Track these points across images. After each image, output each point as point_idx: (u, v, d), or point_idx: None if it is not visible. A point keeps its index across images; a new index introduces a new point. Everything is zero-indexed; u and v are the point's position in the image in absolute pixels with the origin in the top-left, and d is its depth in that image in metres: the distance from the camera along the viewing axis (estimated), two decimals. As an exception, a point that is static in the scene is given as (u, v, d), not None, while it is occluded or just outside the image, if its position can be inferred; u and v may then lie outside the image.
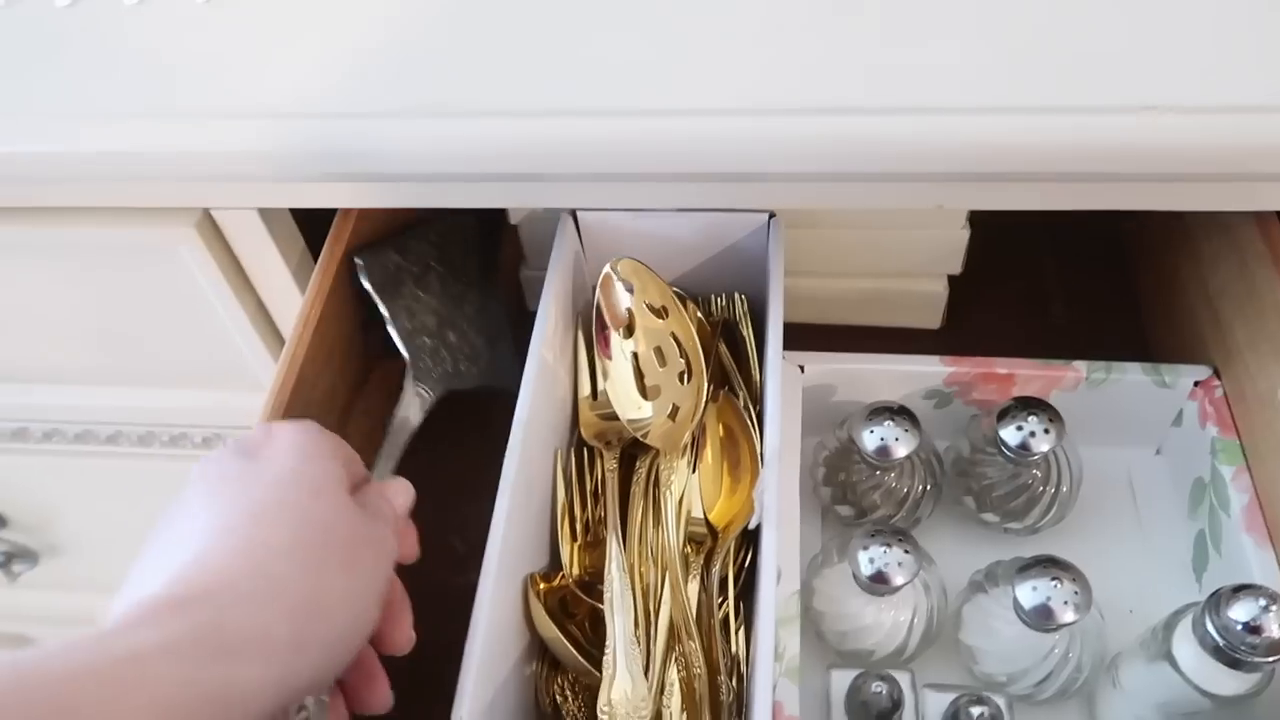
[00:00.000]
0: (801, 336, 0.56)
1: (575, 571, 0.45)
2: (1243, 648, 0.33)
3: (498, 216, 0.56)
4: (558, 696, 0.43)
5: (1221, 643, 0.34)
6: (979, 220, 0.51)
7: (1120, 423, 0.48)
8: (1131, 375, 0.46)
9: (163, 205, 0.45)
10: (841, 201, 0.42)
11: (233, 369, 0.55)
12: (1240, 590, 0.34)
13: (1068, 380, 0.47)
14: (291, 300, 0.50)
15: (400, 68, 0.41)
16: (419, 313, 0.51)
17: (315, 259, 0.48)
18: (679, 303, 0.46)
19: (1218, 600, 0.34)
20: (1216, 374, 0.46)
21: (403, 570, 0.35)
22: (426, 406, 0.49)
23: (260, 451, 0.32)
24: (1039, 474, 0.45)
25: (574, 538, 0.46)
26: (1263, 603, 0.33)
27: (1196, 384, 0.46)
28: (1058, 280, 0.58)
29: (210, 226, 0.46)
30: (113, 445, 0.62)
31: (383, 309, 0.49)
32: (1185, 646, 0.36)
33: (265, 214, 0.46)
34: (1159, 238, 0.54)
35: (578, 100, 0.39)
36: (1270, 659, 0.33)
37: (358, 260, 0.49)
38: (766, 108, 0.38)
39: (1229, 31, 0.37)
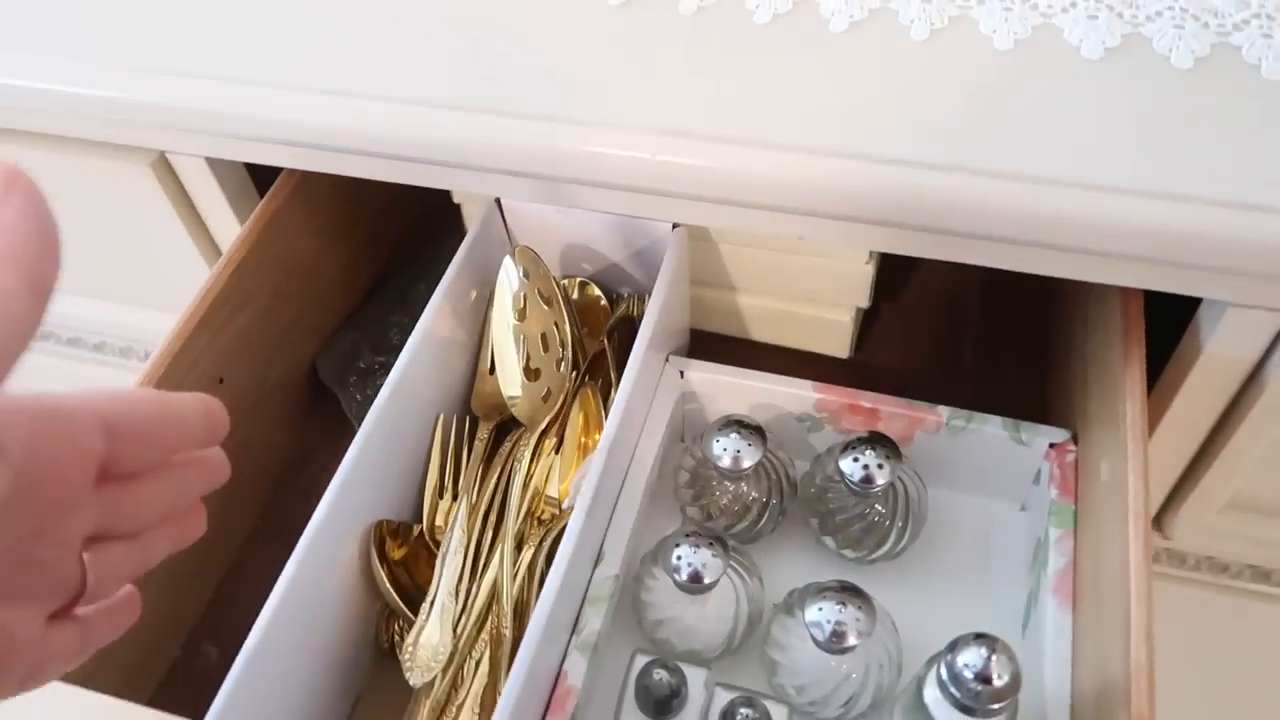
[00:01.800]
0: (712, 346, 0.58)
1: (441, 527, 0.49)
2: (972, 695, 0.35)
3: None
4: (395, 637, 0.47)
5: (954, 690, 0.35)
6: (900, 258, 0.52)
7: (984, 474, 0.49)
8: (990, 428, 0.47)
9: (127, 143, 0.50)
10: (717, 223, 0.44)
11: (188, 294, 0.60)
12: (976, 638, 0.35)
13: (929, 423, 0.48)
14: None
15: (344, 52, 0.44)
16: (375, 376, 0.57)
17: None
18: (565, 296, 0.49)
19: (954, 648, 0.35)
20: (1074, 439, 0.46)
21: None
22: None
23: None
24: (881, 508, 0.46)
25: (440, 497, 0.49)
26: (985, 652, 0.34)
27: (1051, 446, 0.46)
28: (977, 327, 0.59)
29: (165, 166, 0.51)
30: (98, 353, 0.69)
31: (339, 394, 0.56)
32: (932, 692, 0.37)
33: (214, 163, 0.51)
34: (1069, 298, 0.54)
35: (508, 102, 0.42)
36: (995, 706, 0.35)
37: (317, 359, 0.56)
38: (669, 129, 0.40)
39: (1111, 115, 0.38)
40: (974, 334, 0.59)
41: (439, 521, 0.49)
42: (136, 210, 0.54)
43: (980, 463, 0.49)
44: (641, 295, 0.55)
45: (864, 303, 0.54)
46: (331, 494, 0.42)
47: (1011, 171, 0.37)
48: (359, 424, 0.55)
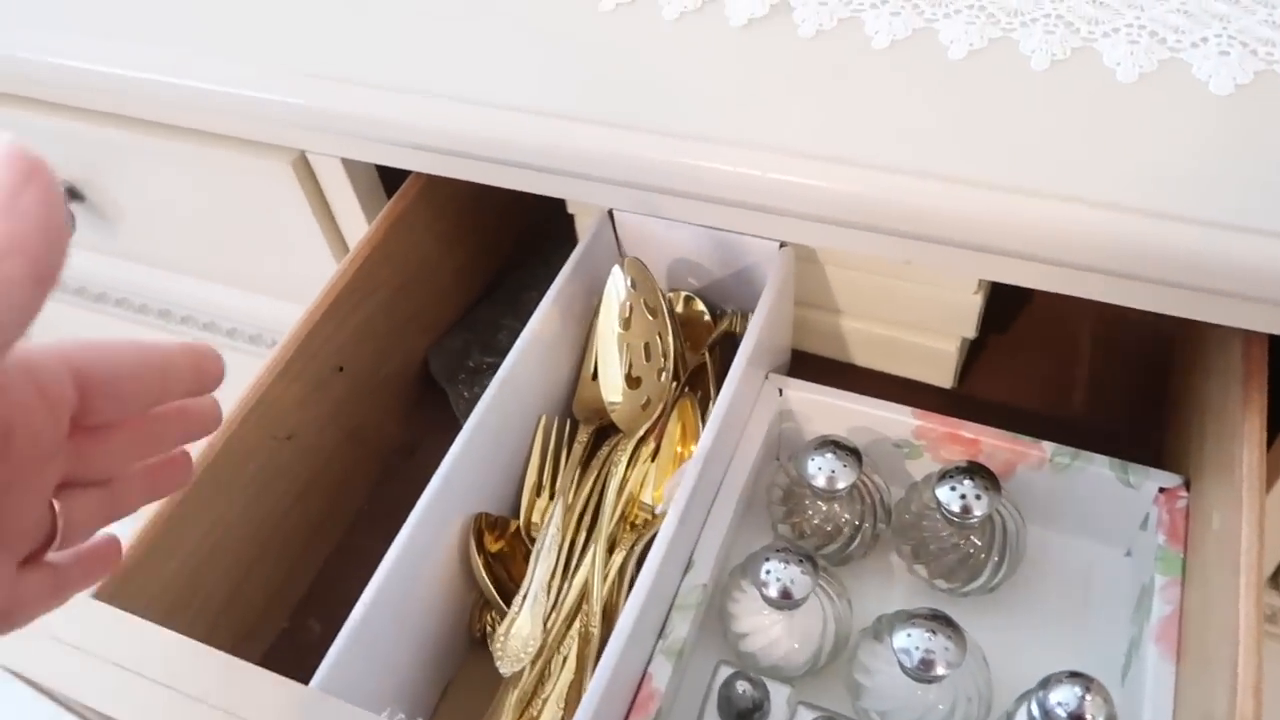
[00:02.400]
0: (814, 367, 0.58)
1: (537, 524, 0.50)
2: (1062, 734, 0.34)
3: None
4: (488, 627, 0.49)
5: (1045, 727, 0.34)
6: (1011, 288, 0.52)
7: (1087, 515, 0.48)
8: (1097, 468, 0.46)
9: (271, 142, 0.53)
10: (825, 243, 0.44)
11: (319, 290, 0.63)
12: (1070, 676, 0.34)
13: (1032, 458, 0.47)
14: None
15: (473, 61, 0.47)
16: (483, 375, 0.58)
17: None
18: (670, 308, 0.50)
19: (1047, 685, 0.35)
20: (1187, 485, 0.45)
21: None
22: None
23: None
24: (975, 539, 0.46)
25: (538, 495, 0.51)
26: (1080, 691, 0.33)
27: (1161, 490, 0.45)
28: (1089, 368, 0.58)
29: (304, 165, 0.54)
30: (230, 339, 0.73)
31: (447, 389, 0.58)
32: (1022, 727, 0.36)
33: (349, 163, 0.54)
34: (1187, 340, 0.52)
35: (627, 116, 0.44)
36: (1085, 750, 0.34)
37: (429, 353, 0.59)
38: (784, 148, 0.41)
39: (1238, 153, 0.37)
40: (1084, 374, 0.57)
41: (534, 518, 0.50)
42: (274, 205, 0.58)
43: (1084, 503, 0.47)
44: (744, 312, 0.55)
45: (971, 333, 0.54)
46: (435, 484, 0.44)
47: (1133, 205, 0.36)
48: (465, 420, 0.58)
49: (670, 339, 0.49)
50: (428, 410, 0.60)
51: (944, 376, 0.56)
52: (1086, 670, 0.45)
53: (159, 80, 0.51)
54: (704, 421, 0.49)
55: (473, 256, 0.62)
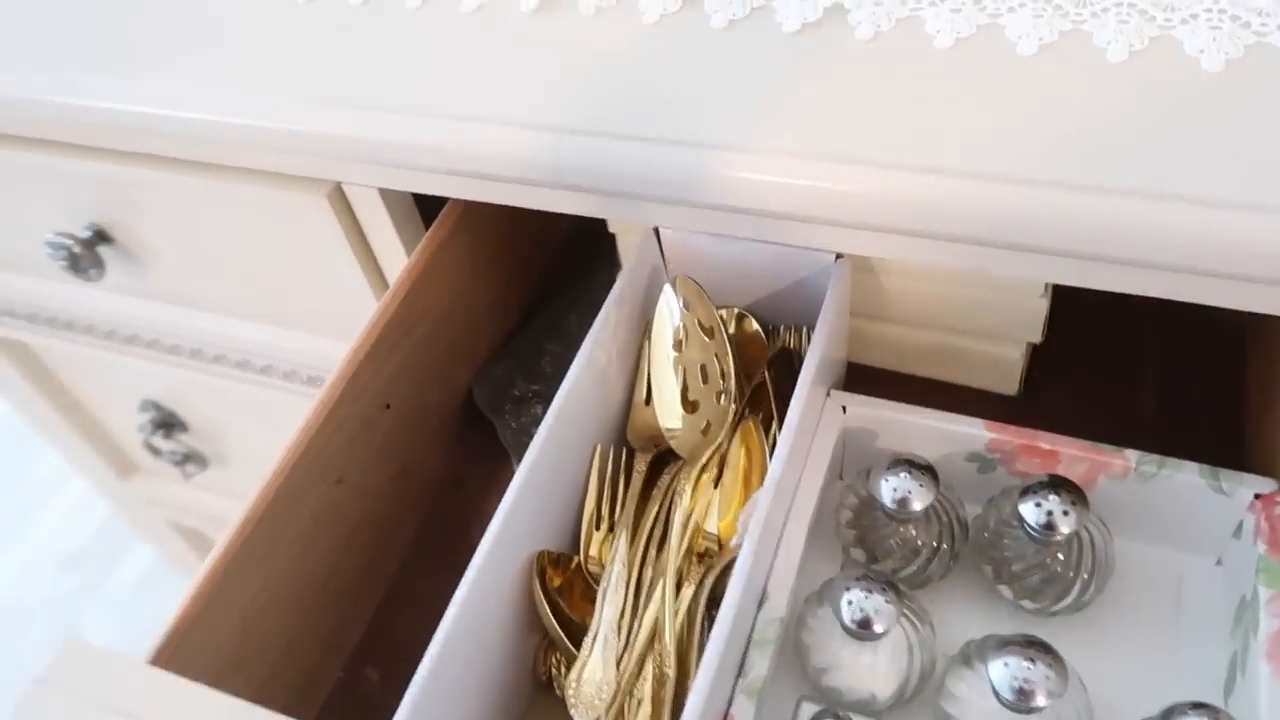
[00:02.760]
0: (868, 380, 0.56)
1: (595, 558, 0.48)
2: (1188, 768, 0.32)
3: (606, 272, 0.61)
4: (553, 669, 0.47)
5: (1168, 759, 0.32)
6: (1075, 290, 0.50)
7: (1176, 525, 0.46)
8: (1185, 475, 0.44)
9: (304, 175, 0.52)
10: (888, 253, 0.42)
11: (357, 324, 0.62)
12: (1195, 708, 0.32)
13: (1115, 468, 0.45)
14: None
15: (511, 82, 0.45)
16: (529, 404, 0.57)
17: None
18: (725, 328, 0.49)
19: (1169, 716, 0.33)
20: (1285, 490, 0.43)
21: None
22: None
23: None
24: (1062, 557, 0.44)
25: (596, 528, 0.49)
26: (1208, 724, 0.31)
27: (1257, 496, 0.43)
28: (1158, 368, 0.55)
29: (340, 197, 0.53)
30: (264, 375, 0.72)
31: (494, 420, 0.56)
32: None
33: (385, 193, 0.52)
34: (1269, 337, 0.50)
35: (667, 130, 0.42)
36: (1215, 786, 0.32)
37: (472, 385, 0.57)
38: (836, 156, 0.39)
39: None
40: (1153, 374, 0.55)
41: (593, 552, 0.48)
42: (308, 237, 0.56)
43: (1171, 512, 0.45)
44: (797, 326, 0.53)
45: (1037, 338, 0.52)
46: (498, 524, 0.42)
47: (1215, 198, 0.34)
48: (514, 451, 0.56)
49: (729, 360, 0.47)
50: (470, 442, 0.58)
51: (1008, 384, 0.54)
52: (1186, 689, 0.43)
53: (189, 118, 0.49)
54: (769, 443, 0.48)
55: (510, 281, 0.61)
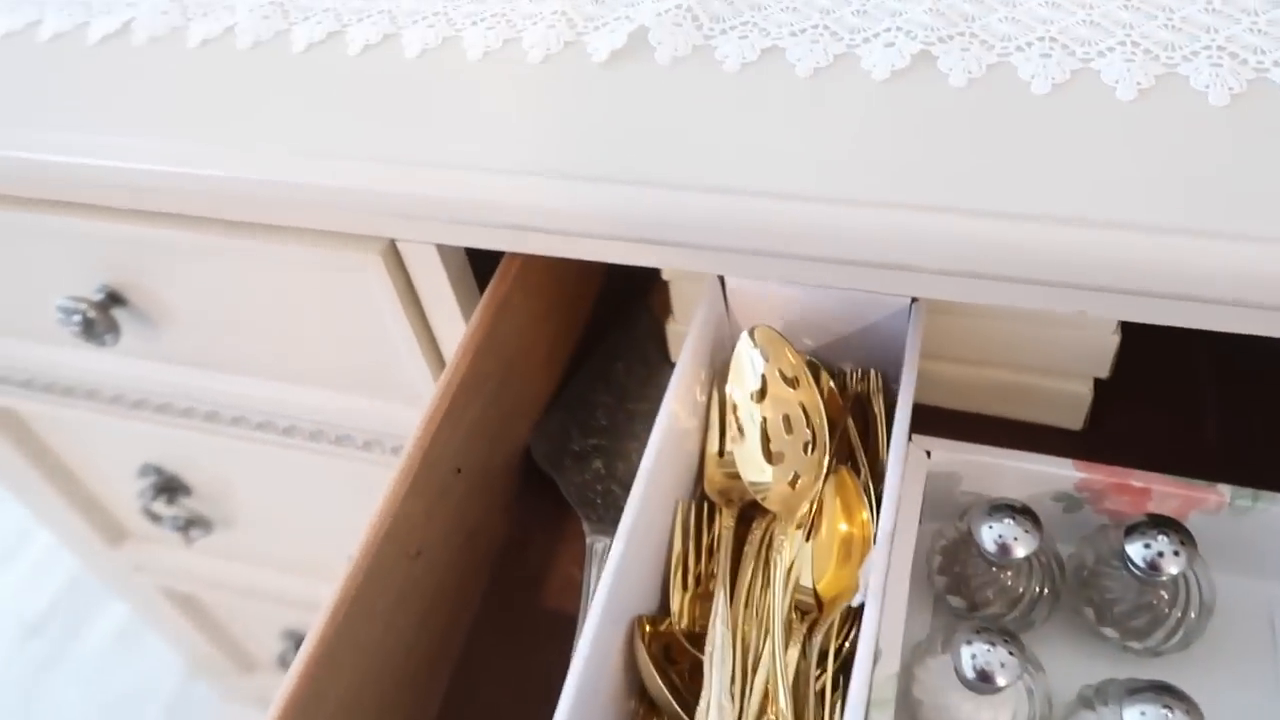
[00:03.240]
0: (932, 420, 0.56)
1: (683, 621, 0.47)
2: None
3: (656, 317, 0.60)
4: (653, 737, 0.45)
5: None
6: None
7: (1265, 554, 0.46)
8: (1281, 507, 0.44)
9: (357, 232, 0.50)
10: (984, 299, 0.42)
11: (399, 382, 0.60)
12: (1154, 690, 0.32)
13: (1209, 503, 0.45)
14: (455, 325, 0.55)
15: (564, 135, 0.44)
16: (589, 459, 0.56)
17: (480, 291, 0.52)
18: (810, 375, 0.48)
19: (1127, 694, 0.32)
20: (1378, 518, 0.43)
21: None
22: (602, 561, 0.51)
23: None
24: (1166, 595, 0.43)
25: (685, 588, 0.48)
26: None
27: (1355, 526, 0.43)
28: (1215, 394, 0.56)
29: (393, 254, 0.51)
30: (286, 437, 0.69)
31: (555, 477, 0.55)
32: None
33: (441, 249, 0.51)
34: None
35: (733, 180, 0.41)
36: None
37: (530, 440, 0.56)
38: (916, 204, 0.39)
39: None
40: (1214, 403, 0.56)
41: (683, 613, 0.47)
42: (354, 295, 0.54)
43: (1262, 542, 0.46)
44: (864, 369, 0.53)
45: (1105, 373, 0.52)
46: (603, 596, 0.40)
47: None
48: (580, 507, 0.55)
49: (820, 411, 0.47)
50: (529, 502, 0.56)
51: (1074, 419, 0.55)
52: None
53: (237, 177, 0.47)
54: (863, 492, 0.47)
55: (561, 331, 0.59)
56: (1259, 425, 0.55)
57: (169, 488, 0.83)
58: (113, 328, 0.63)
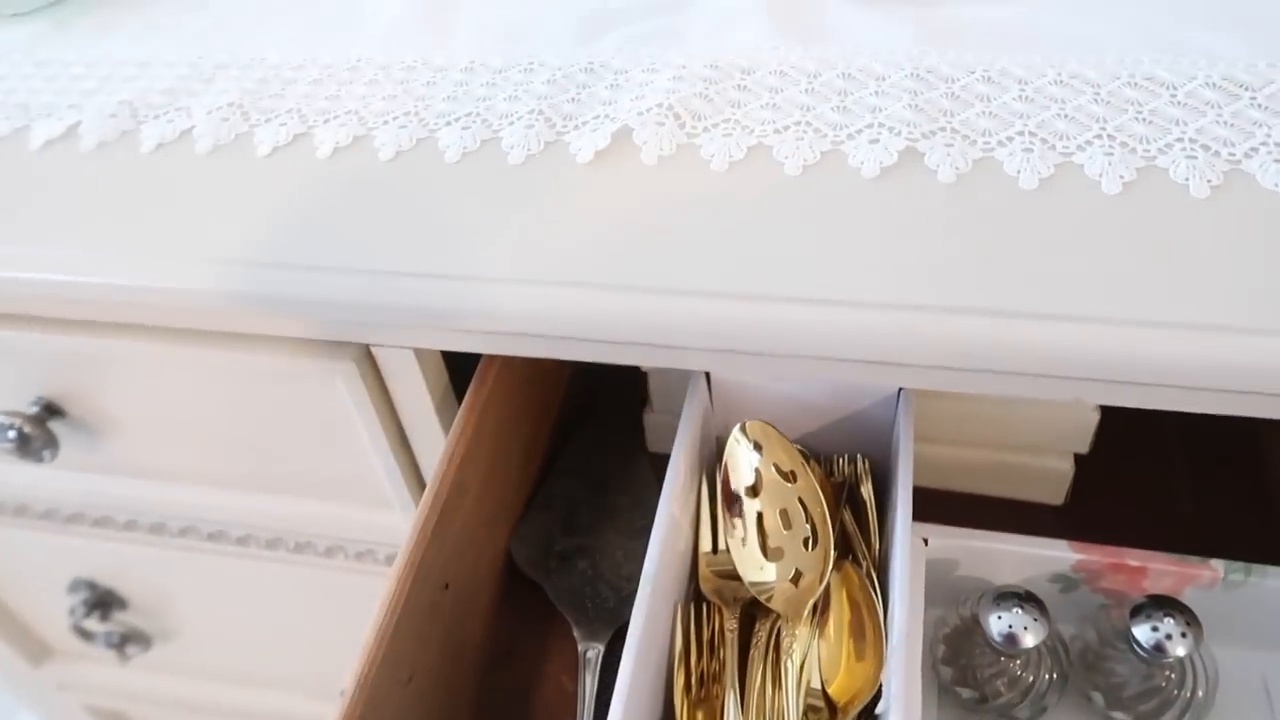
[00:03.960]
0: (916, 501, 0.56)
1: (689, 727, 0.45)
2: None
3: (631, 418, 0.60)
4: None
5: None
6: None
7: (1257, 625, 0.47)
8: (1272, 580, 0.45)
9: (333, 339, 0.48)
10: (973, 389, 0.42)
11: (365, 487, 0.57)
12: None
13: (1204, 579, 0.46)
14: (430, 428, 0.53)
15: (551, 239, 0.43)
16: (573, 560, 0.54)
17: (457, 396, 0.50)
18: (807, 467, 0.47)
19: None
20: (1364, 587, 0.44)
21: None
22: (596, 669, 0.50)
23: None
24: (1173, 676, 0.44)
25: (688, 691, 0.46)
26: None
27: (1344, 595, 0.44)
28: (1186, 470, 0.57)
29: (368, 359, 0.49)
30: (241, 546, 0.65)
31: (542, 583, 0.53)
32: None
33: (419, 353, 0.49)
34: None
35: (717, 283, 0.40)
36: None
37: (510, 545, 0.54)
38: (899, 303, 0.39)
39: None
40: (1185, 477, 0.57)
41: (683, 715, 0.45)
42: (320, 400, 0.51)
43: (1258, 616, 0.46)
44: (854, 456, 0.53)
45: (1085, 449, 0.53)
46: (617, 713, 0.39)
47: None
48: (569, 612, 0.52)
49: (821, 504, 0.46)
50: (511, 609, 0.54)
51: (1055, 494, 0.55)
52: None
53: (201, 290, 0.45)
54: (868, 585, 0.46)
55: (536, 428, 0.58)
56: (1227, 497, 0.56)
57: (103, 603, 0.78)
58: (51, 443, 0.58)
